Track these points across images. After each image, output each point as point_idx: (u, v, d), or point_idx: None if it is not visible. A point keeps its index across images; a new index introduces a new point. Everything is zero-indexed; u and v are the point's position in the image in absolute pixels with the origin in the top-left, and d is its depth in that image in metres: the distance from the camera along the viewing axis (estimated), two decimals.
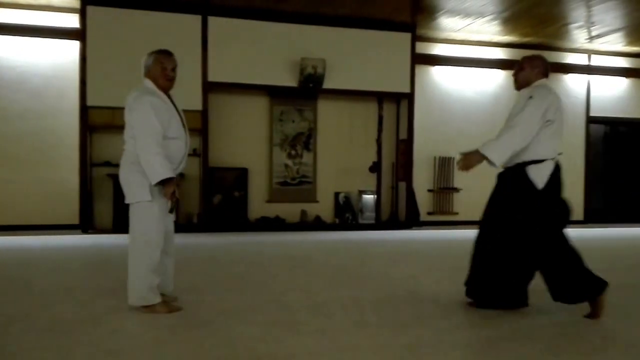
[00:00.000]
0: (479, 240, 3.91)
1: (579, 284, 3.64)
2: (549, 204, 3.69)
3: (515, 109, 3.77)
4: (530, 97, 3.68)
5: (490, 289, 3.81)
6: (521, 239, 3.70)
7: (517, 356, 2.94)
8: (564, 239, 3.69)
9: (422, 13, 8.90)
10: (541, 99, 3.66)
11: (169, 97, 3.80)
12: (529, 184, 3.67)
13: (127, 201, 3.69)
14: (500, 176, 3.93)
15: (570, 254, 3.67)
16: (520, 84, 3.91)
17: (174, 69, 3.76)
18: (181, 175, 3.88)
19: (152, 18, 8.43)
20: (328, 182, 9.45)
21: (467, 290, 3.96)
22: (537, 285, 4.75)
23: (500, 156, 3.62)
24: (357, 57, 9.18)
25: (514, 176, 3.75)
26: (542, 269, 3.73)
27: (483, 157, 3.66)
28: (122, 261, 5.45)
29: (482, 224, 3.95)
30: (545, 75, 3.91)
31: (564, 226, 3.75)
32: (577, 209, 10.92)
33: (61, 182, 8.52)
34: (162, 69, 3.70)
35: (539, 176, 3.67)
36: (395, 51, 9.37)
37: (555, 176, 3.72)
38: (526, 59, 3.94)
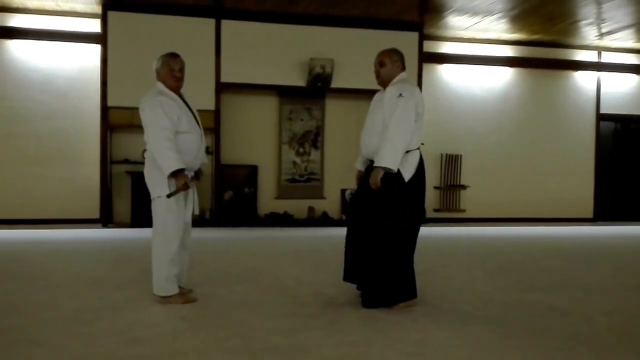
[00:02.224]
0: (354, 238, 3.94)
1: (387, 287, 3.75)
2: (414, 195, 3.82)
3: (388, 107, 3.77)
4: (400, 94, 3.73)
5: (378, 287, 3.78)
6: (387, 230, 3.75)
7: (526, 354, 2.91)
8: (414, 239, 3.86)
9: (430, 12, 9.02)
10: (411, 95, 3.75)
11: (181, 96, 3.97)
12: (399, 175, 3.76)
13: (151, 197, 3.90)
14: (369, 168, 3.94)
15: (409, 253, 3.83)
16: (383, 79, 3.93)
17: (181, 70, 3.93)
18: (196, 175, 4.06)
19: (168, 22, 8.78)
20: (335, 179, 9.60)
21: (358, 286, 4.02)
22: (551, 283, 4.82)
23: (394, 161, 3.69)
24: (364, 56, 9.24)
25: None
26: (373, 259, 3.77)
27: (383, 169, 3.70)
28: (140, 254, 5.77)
29: (352, 220, 4.02)
30: (404, 68, 3.98)
31: (419, 224, 3.91)
32: (587, 206, 10.98)
33: (83, 178, 8.93)
34: (170, 70, 3.88)
35: (407, 167, 3.78)
36: (402, 50, 9.30)
37: (420, 165, 3.86)
38: (385, 54, 3.96)
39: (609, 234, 9.12)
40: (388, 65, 3.93)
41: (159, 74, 3.93)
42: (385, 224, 3.77)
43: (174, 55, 3.96)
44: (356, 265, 3.96)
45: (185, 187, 3.78)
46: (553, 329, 3.39)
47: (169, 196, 3.76)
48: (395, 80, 3.93)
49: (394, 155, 3.69)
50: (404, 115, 3.72)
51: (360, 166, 4.17)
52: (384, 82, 3.95)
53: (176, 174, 3.74)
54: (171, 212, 3.82)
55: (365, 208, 3.91)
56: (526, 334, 3.26)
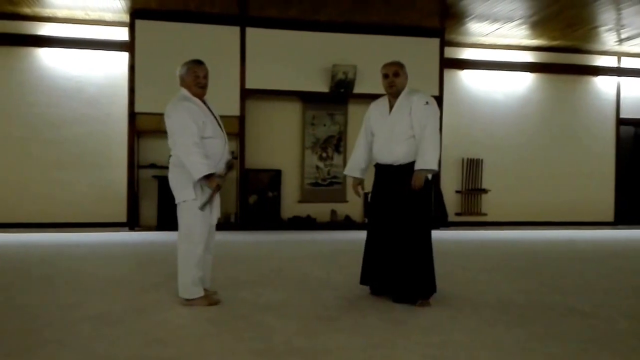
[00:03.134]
0: (384, 237, 4.11)
1: (422, 283, 3.97)
2: (431, 196, 4.16)
3: (417, 114, 4.02)
4: (427, 102, 4.05)
5: (412, 282, 3.98)
6: (417, 227, 4.01)
7: (548, 356, 2.93)
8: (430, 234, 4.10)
9: (451, 19, 9.10)
10: (435, 104, 4.09)
11: (205, 102, 4.02)
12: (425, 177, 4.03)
13: (175, 201, 3.96)
14: (391, 173, 4.11)
15: (430, 249, 4.05)
16: (398, 89, 4.13)
17: (205, 76, 3.99)
18: (228, 167, 4.10)
19: (194, 30, 8.93)
20: None
21: (367, 283, 4.28)
22: (572, 286, 4.82)
23: (435, 164, 4.00)
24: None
25: (410, 170, 4.03)
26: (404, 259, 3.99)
27: (425, 173, 3.99)
28: (166, 257, 5.82)
29: (381, 221, 4.15)
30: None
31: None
32: (607, 210, 11.01)
33: (111, 182, 9.11)
34: (195, 77, 3.94)
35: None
36: (424, 56, 9.59)
37: None
38: (398, 65, 4.15)
39: (629, 237, 9.13)
40: (402, 76, 4.14)
41: (183, 80, 3.99)
42: (413, 223, 4.00)
43: (198, 62, 4.02)
44: (378, 269, 4.14)
45: (217, 189, 3.87)
46: (574, 331, 3.41)
47: (202, 208, 3.83)
48: (408, 90, 4.16)
49: (437, 159, 4.01)
50: (437, 123, 4.07)
51: (359, 174, 4.41)
52: (398, 92, 4.15)
53: (206, 178, 3.80)
54: (196, 216, 3.87)
55: (393, 210, 4.07)
56: (548, 337, 3.27)
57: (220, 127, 4.08)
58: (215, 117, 4.06)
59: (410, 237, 4.00)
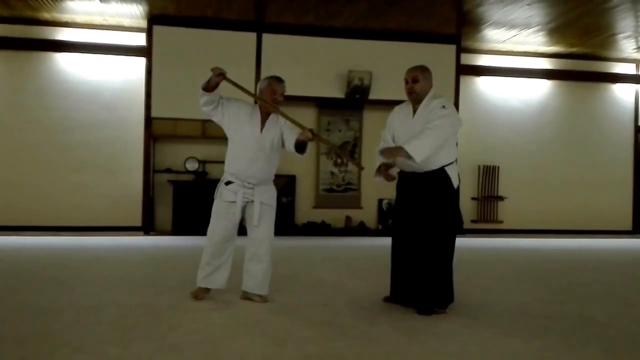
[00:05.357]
0: (408, 246, 4.04)
1: (442, 292, 3.94)
2: (457, 203, 4.09)
3: (432, 115, 3.92)
4: (443, 106, 3.93)
5: (434, 292, 3.93)
6: (443, 236, 3.96)
7: None
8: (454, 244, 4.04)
9: (468, 25, 9.08)
10: (453, 110, 4.00)
11: (266, 120, 4.12)
12: (450, 183, 3.96)
13: None
14: (412, 181, 4.05)
15: (451, 259, 4.00)
16: (418, 95, 4.05)
17: (282, 94, 4.14)
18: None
19: (211, 36, 8.98)
20: (372, 189, 9.63)
21: (395, 298, 4.17)
22: (591, 295, 4.80)
23: (420, 154, 3.77)
24: (402, 68, 9.21)
25: (437, 177, 3.97)
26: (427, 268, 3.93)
27: (404, 154, 3.80)
28: (180, 261, 5.86)
29: (403, 230, 4.10)
30: (432, 85, 4.12)
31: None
32: (626, 219, 10.89)
33: (126, 186, 9.15)
34: (272, 93, 4.11)
35: (454, 176, 4.00)
36: (440, 62, 9.43)
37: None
38: (418, 70, 4.09)
39: None
40: (422, 81, 4.06)
41: (262, 93, 4.13)
42: (432, 232, 3.94)
43: (279, 80, 4.16)
44: (403, 280, 4.08)
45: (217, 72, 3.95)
46: (593, 341, 3.37)
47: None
48: (431, 94, 4.07)
49: (422, 148, 3.79)
50: (445, 124, 3.90)
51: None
52: (418, 98, 4.08)
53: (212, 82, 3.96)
54: (214, 215, 4.08)
55: (413, 218, 4.03)
56: (565, 347, 3.24)
57: (263, 145, 4.12)
58: (261, 132, 4.10)
59: (428, 246, 3.94)
